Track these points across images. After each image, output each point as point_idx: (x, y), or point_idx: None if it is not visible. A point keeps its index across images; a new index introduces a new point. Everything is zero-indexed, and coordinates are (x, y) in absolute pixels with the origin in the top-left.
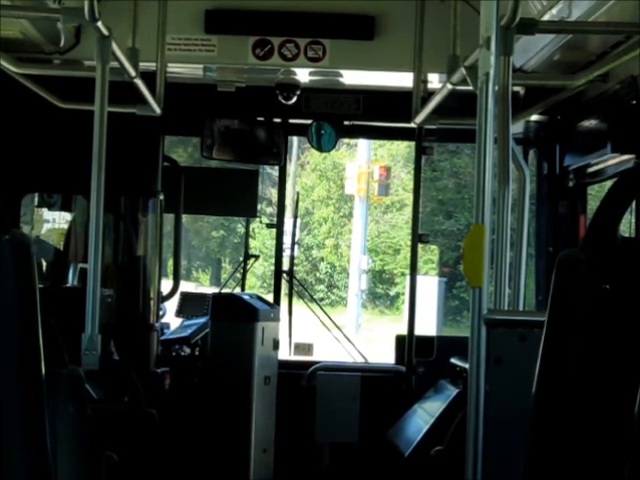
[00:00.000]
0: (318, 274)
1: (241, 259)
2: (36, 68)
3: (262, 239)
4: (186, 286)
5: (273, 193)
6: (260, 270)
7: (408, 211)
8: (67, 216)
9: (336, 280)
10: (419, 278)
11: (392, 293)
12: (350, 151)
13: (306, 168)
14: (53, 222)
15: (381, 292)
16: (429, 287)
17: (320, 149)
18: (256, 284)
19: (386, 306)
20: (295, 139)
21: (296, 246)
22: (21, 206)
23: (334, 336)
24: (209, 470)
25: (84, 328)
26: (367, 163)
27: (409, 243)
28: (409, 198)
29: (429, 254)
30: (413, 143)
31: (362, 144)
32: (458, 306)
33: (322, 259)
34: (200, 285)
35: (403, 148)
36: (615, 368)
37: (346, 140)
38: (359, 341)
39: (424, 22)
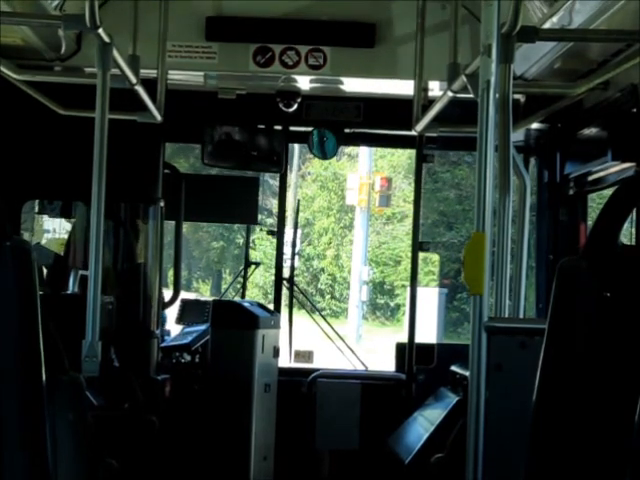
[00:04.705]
0: (319, 285)
1: (241, 268)
2: (37, 75)
3: (262, 249)
4: (186, 296)
5: (273, 203)
6: (261, 280)
7: (409, 223)
8: (67, 225)
9: (337, 291)
10: (419, 289)
11: (392, 304)
12: (351, 162)
13: (307, 178)
14: (54, 231)
15: (382, 303)
16: (430, 299)
17: (320, 156)
18: (257, 294)
19: (386, 317)
20: (296, 150)
21: (297, 256)
22: (22, 213)
23: (335, 344)
24: (209, 477)
25: (84, 335)
26: (368, 174)
27: (410, 254)
28: (410, 209)
29: (430, 266)
30: (414, 154)
31: (363, 155)
32: (459, 317)
33: (323, 270)
34: (200, 295)
35: (404, 159)
36: (616, 376)
37: (347, 150)
38: (360, 352)
39: (425, 30)
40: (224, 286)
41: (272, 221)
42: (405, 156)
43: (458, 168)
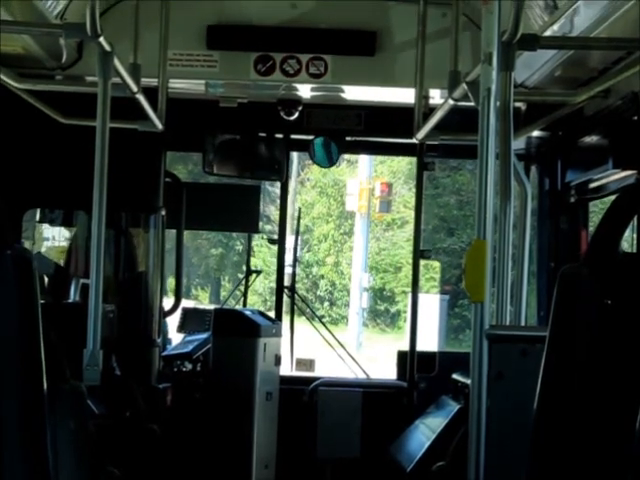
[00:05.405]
0: (318, 292)
1: (240, 276)
2: (38, 84)
3: (262, 256)
4: (185, 304)
5: (272, 210)
6: (260, 287)
7: (409, 228)
8: (67, 233)
9: (337, 298)
10: (420, 296)
11: (393, 311)
12: (350, 168)
13: (306, 185)
14: (53, 239)
15: (382, 310)
16: (431, 305)
17: (321, 165)
18: (256, 301)
19: (387, 324)
20: (295, 155)
21: (296, 263)
22: (23, 221)
23: (336, 352)
24: None
25: (86, 343)
26: (368, 179)
27: (410, 261)
28: (410, 215)
29: (431, 272)
30: (414, 160)
31: (363, 160)
32: (460, 324)
33: (322, 276)
34: (199, 303)
35: (404, 165)
36: (617, 383)
37: (347, 156)
38: (361, 360)
39: (425, 38)
40: (223, 293)
41: (271, 228)
42: (405, 161)
43: (459, 173)
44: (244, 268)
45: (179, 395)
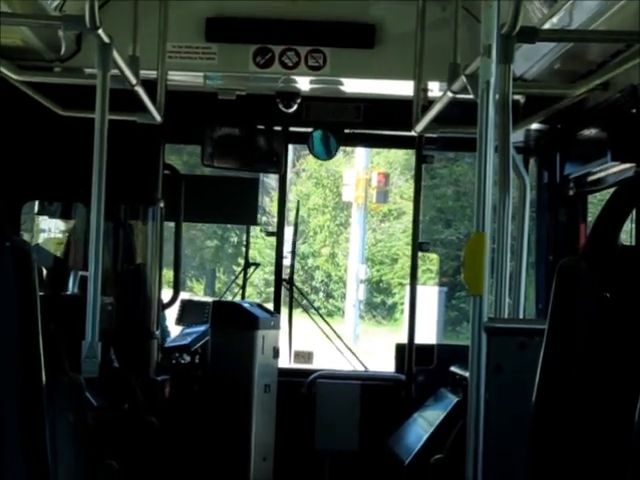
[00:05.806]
0: (314, 283)
1: (235, 268)
2: (37, 76)
3: (258, 247)
4: (181, 295)
5: (267, 202)
6: (255, 279)
7: (406, 220)
8: (62, 225)
9: (332, 290)
10: (418, 288)
11: (389, 303)
12: (347, 158)
13: (302, 176)
14: (49, 231)
15: (378, 302)
16: (428, 297)
17: (320, 157)
18: (251, 292)
19: (383, 316)
20: (290, 147)
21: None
22: (21, 213)
23: (334, 344)
24: (209, 478)
25: (84, 336)
26: (365, 169)
27: (407, 252)
28: (407, 206)
29: (427, 264)
30: (411, 151)
31: (360, 150)
32: (457, 316)
33: (318, 268)
34: (194, 294)
35: (401, 155)
36: (616, 376)
37: (343, 147)
38: (357, 352)
39: (425, 30)
40: (218, 285)
41: (266, 219)
42: (401, 152)
43: (456, 164)
44: (239, 260)
45: (177, 387)
